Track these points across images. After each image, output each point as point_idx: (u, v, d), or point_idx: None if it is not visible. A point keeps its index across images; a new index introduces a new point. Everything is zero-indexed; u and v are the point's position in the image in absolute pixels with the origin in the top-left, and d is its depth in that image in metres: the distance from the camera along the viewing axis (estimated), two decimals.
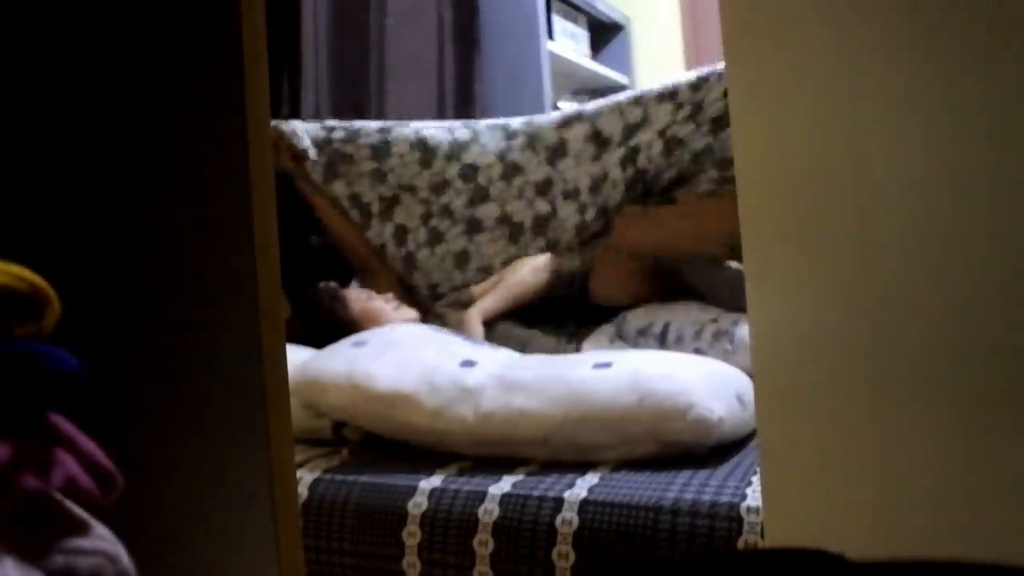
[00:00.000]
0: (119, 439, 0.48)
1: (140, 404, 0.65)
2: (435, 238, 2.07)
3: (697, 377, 1.33)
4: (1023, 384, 0.64)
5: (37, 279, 0.42)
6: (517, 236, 2.02)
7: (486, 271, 2.12)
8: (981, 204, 0.65)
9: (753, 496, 1.10)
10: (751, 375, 1.35)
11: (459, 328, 1.93)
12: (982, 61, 0.65)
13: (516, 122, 1.98)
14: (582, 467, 1.30)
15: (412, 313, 2.02)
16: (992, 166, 0.65)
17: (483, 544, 1.21)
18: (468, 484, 1.28)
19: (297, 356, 1.74)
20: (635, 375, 1.33)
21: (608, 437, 1.31)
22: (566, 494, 1.20)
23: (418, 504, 1.27)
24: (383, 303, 2.00)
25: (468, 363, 1.47)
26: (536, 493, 1.22)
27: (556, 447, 1.34)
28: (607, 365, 1.38)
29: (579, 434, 1.32)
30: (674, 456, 1.30)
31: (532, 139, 1.91)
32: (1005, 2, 0.63)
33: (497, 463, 1.36)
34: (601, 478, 1.24)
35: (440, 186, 2.00)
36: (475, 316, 1.93)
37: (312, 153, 2.02)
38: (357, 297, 2.01)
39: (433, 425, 1.41)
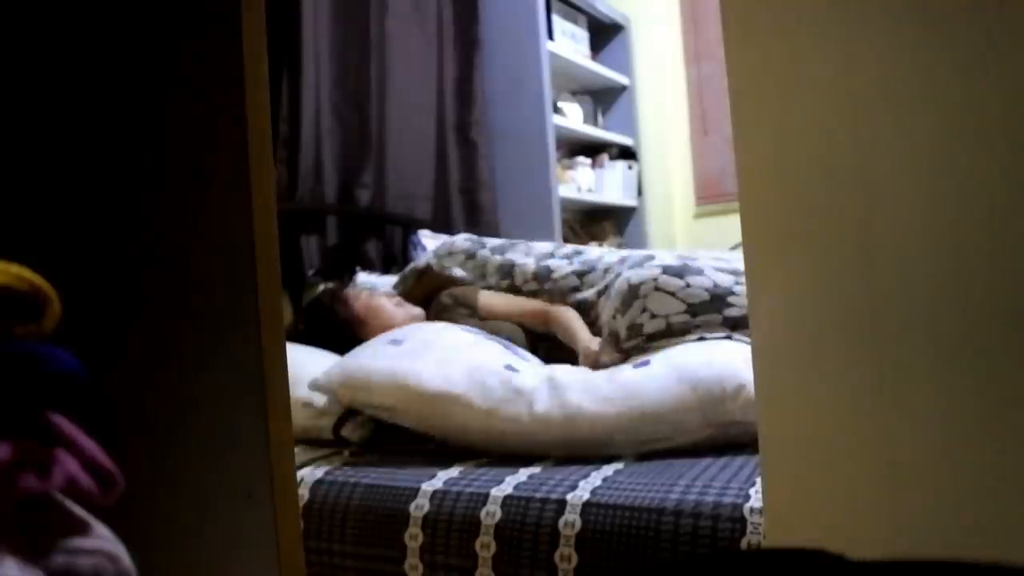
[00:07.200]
0: (119, 439, 0.48)
1: (141, 404, 0.65)
2: None
3: (738, 359, 1.39)
4: (1023, 386, 0.64)
5: (37, 279, 0.42)
6: None
7: None
8: (982, 203, 0.65)
9: (757, 497, 1.10)
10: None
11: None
12: (982, 62, 0.65)
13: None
14: (585, 467, 1.30)
15: (417, 310, 2.01)
16: (992, 165, 0.65)
17: (485, 547, 1.20)
18: (470, 486, 1.27)
19: (297, 356, 1.74)
20: (678, 367, 1.39)
21: (666, 429, 1.36)
22: (568, 496, 1.20)
23: (420, 506, 1.27)
24: (386, 300, 1.99)
25: (510, 368, 1.49)
26: (538, 495, 1.22)
27: (618, 445, 1.37)
28: (647, 363, 1.44)
29: (638, 430, 1.36)
30: (730, 440, 1.36)
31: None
32: (1007, 2, 0.63)
33: (500, 463, 1.36)
34: (604, 480, 1.24)
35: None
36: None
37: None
38: (357, 295, 2.01)
39: (487, 426, 1.41)
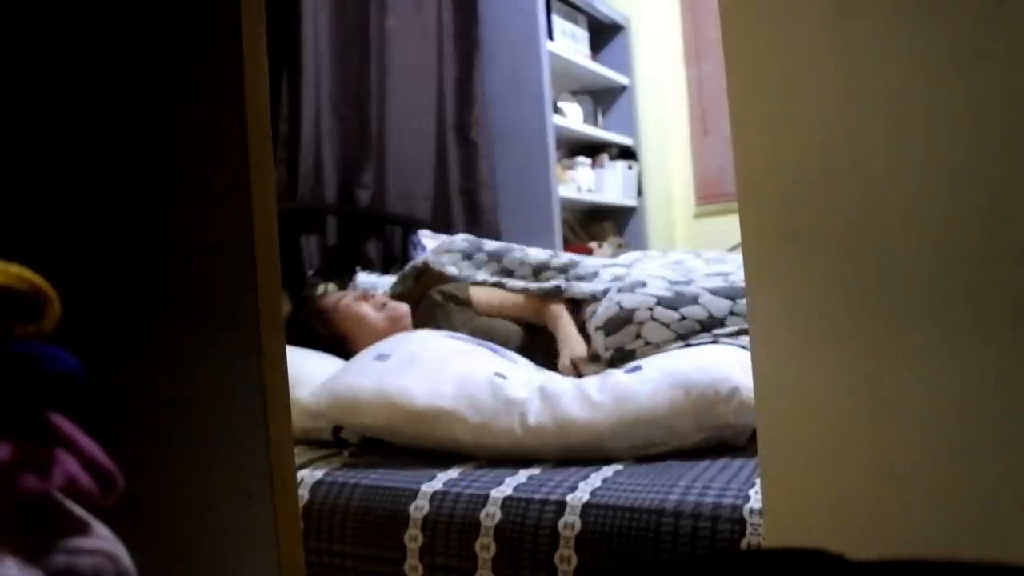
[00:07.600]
0: (119, 439, 0.48)
1: (140, 404, 0.65)
2: None
3: (728, 362, 1.38)
4: (1022, 386, 0.64)
5: (37, 279, 0.42)
6: None
7: None
8: (979, 201, 0.65)
9: (756, 498, 1.10)
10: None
11: (468, 322, 1.92)
12: (980, 62, 0.65)
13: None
14: (584, 468, 1.30)
15: (402, 309, 1.99)
16: (990, 163, 0.65)
17: (485, 548, 1.20)
18: (469, 488, 1.27)
19: (296, 357, 1.73)
20: (671, 372, 1.38)
21: (660, 433, 1.35)
22: (568, 498, 1.20)
23: (420, 507, 1.27)
24: (367, 306, 1.97)
25: (500, 376, 1.48)
26: (538, 497, 1.22)
27: (611, 451, 1.36)
28: (638, 368, 1.43)
29: (632, 436, 1.35)
30: (723, 441, 1.36)
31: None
32: (1006, 1, 0.63)
33: (499, 464, 1.36)
34: (603, 481, 1.24)
35: None
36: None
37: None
38: (336, 305, 1.98)
39: (479, 440, 1.41)
